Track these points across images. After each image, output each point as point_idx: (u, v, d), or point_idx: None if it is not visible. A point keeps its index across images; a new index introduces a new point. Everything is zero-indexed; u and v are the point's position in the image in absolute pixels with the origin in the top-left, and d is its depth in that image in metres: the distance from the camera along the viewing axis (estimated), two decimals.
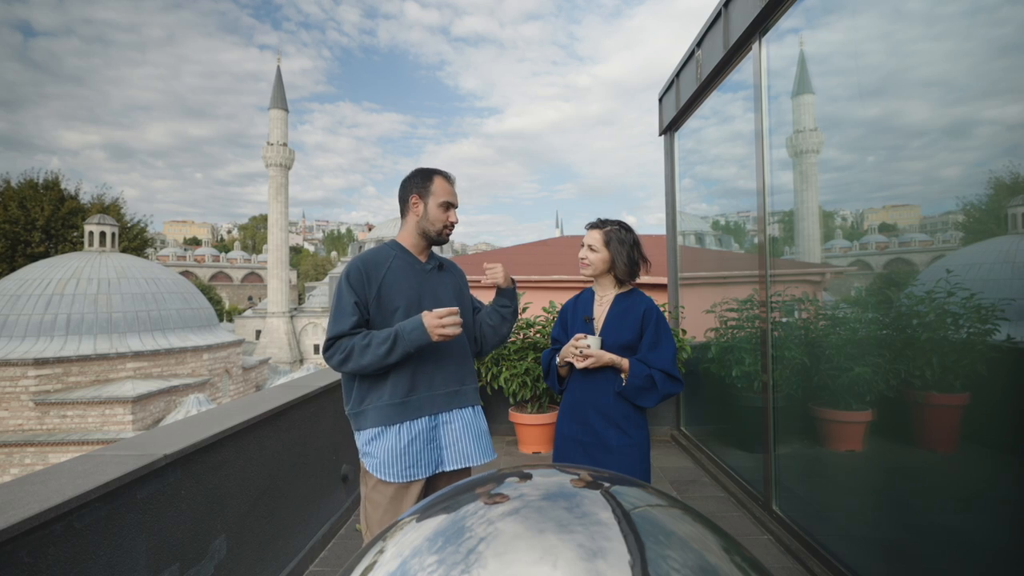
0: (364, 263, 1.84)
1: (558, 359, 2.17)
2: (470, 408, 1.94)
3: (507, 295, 2.07)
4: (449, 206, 1.89)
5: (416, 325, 1.74)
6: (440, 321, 1.72)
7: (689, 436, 4.87)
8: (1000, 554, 1.84)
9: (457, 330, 1.75)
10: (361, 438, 1.85)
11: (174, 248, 67.96)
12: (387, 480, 1.79)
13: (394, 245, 1.93)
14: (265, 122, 42.46)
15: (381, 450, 1.79)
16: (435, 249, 2.05)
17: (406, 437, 1.80)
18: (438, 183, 1.89)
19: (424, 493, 1.87)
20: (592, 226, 2.16)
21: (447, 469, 1.87)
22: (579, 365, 2.02)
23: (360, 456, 1.87)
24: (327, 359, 1.79)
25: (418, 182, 1.90)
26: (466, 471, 1.94)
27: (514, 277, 2.08)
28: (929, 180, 2.29)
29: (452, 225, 1.92)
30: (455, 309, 1.76)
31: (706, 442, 4.49)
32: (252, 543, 2.30)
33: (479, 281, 2.36)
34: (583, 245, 2.16)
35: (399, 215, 1.98)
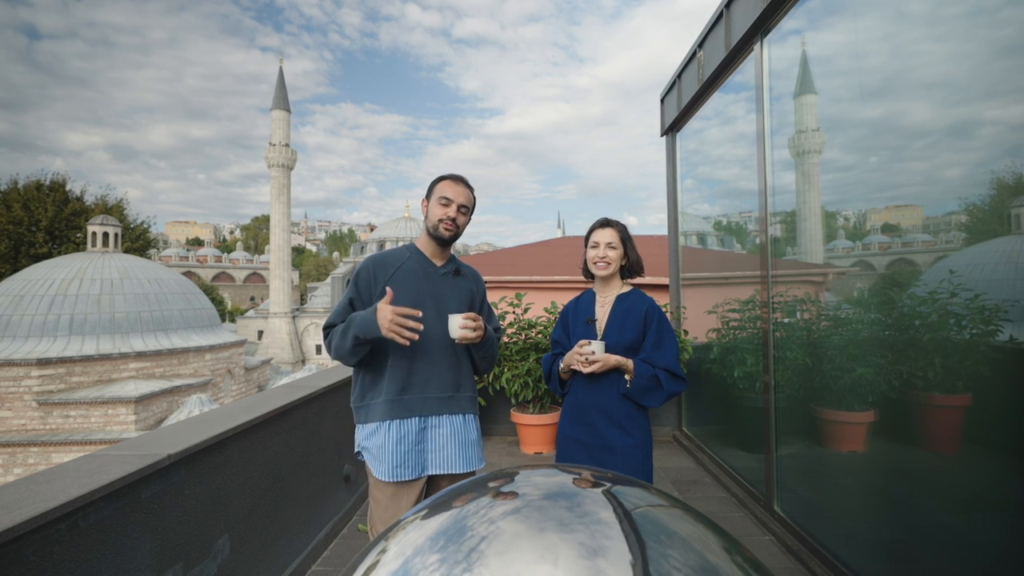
0: (375, 263, 1.92)
1: (562, 366, 2.14)
2: (461, 415, 1.93)
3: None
4: (448, 202, 1.90)
5: (370, 312, 1.72)
6: (392, 316, 1.65)
7: (691, 436, 4.86)
8: (1002, 555, 1.83)
9: (409, 335, 1.67)
10: (361, 432, 1.90)
11: (176, 249, 68.14)
12: (379, 478, 1.83)
13: (411, 247, 1.99)
14: (267, 123, 42.59)
15: (376, 446, 1.84)
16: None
17: (395, 436, 1.83)
18: (441, 184, 1.94)
19: (426, 494, 1.89)
20: (605, 224, 2.13)
21: (430, 473, 1.88)
22: (585, 371, 2.00)
23: (358, 449, 1.93)
24: (325, 346, 1.91)
25: (429, 188, 1.97)
26: (465, 475, 1.93)
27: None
28: (932, 181, 2.28)
29: (449, 220, 1.89)
30: (417, 312, 1.70)
31: (708, 443, 4.48)
32: (255, 542, 2.31)
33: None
34: (596, 244, 2.10)
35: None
